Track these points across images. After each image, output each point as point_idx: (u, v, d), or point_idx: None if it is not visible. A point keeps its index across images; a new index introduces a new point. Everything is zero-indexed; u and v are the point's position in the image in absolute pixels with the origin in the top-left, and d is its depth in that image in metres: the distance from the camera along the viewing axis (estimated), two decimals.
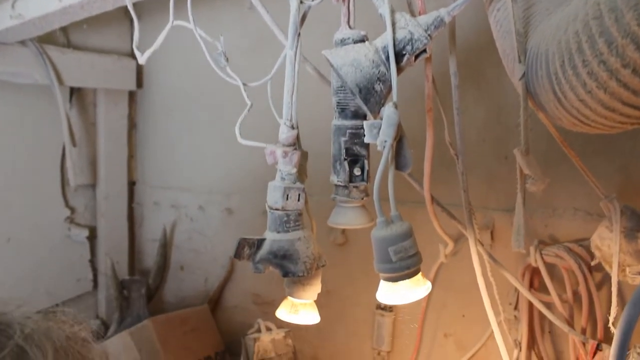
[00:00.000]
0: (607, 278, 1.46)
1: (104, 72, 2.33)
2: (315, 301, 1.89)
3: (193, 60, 2.23)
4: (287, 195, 0.92)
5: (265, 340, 1.62)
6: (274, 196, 0.94)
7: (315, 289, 1.05)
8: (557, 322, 1.31)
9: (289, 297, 1.06)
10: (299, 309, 1.06)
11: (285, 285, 1.06)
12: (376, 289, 1.86)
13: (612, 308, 1.10)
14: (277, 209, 0.93)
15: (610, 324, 1.10)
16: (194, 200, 2.29)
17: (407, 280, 0.85)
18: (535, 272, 1.49)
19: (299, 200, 0.93)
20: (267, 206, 0.97)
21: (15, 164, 2.28)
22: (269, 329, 1.66)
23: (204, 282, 2.28)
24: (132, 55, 2.43)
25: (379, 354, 1.83)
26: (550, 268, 1.48)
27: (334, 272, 1.89)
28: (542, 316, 1.56)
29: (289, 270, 0.93)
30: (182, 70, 2.32)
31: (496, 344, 1.65)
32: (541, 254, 1.42)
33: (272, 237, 0.94)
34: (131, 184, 2.52)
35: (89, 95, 2.43)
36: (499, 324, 1.40)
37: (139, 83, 2.46)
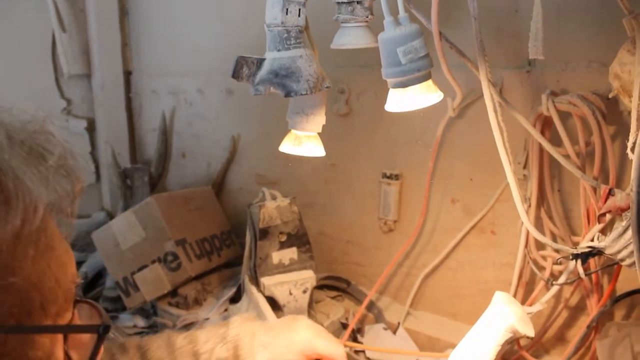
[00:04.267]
0: (620, 130, 1.42)
1: None
2: (319, 175, 1.87)
3: None
4: (287, 10, 0.86)
5: (271, 207, 1.60)
6: (272, 12, 0.87)
7: (319, 119, 1.00)
8: (569, 166, 1.27)
9: (292, 130, 1.02)
10: (303, 141, 1.02)
11: (288, 118, 1.01)
12: (381, 160, 1.83)
13: (631, 134, 1.05)
14: (276, 26, 0.87)
15: (628, 150, 1.06)
16: (193, 83, 2.23)
17: (417, 86, 0.80)
18: (546, 123, 1.44)
19: (299, 15, 0.86)
20: (265, 26, 0.90)
21: (6, 53, 2.21)
22: (273, 197, 1.64)
23: (207, 166, 2.25)
24: None
25: (385, 223, 1.81)
26: (563, 120, 1.43)
27: (338, 144, 1.85)
28: (552, 174, 1.53)
29: (292, 89, 0.88)
30: None
31: (503, 207, 1.63)
32: (553, 102, 1.37)
33: (272, 56, 0.88)
34: (127, 74, 2.45)
35: None
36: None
37: None
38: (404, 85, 0.84)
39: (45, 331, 0.51)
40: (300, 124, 0.99)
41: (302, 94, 0.89)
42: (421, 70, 0.81)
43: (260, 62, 0.89)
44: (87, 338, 0.57)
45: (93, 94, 2.41)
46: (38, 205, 0.50)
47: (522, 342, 1.59)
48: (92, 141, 2.44)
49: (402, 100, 0.86)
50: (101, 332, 0.55)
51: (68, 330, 0.54)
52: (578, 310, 1.58)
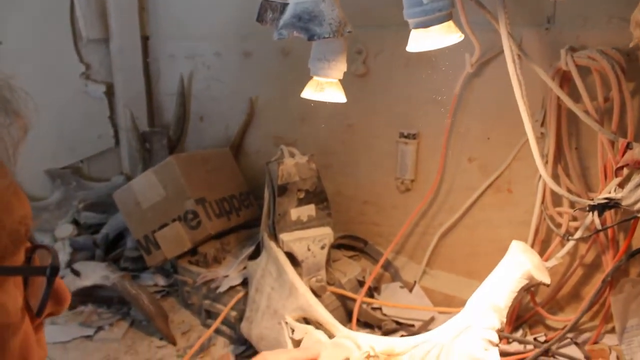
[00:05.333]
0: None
1: None
2: (336, 136, 1.88)
3: None
4: None
5: (289, 164, 1.61)
6: None
7: (340, 66, 1.02)
8: (587, 119, 1.28)
9: (314, 77, 1.03)
10: (325, 87, 1.03)
11: (310, 64, 1.02)
12: (398, 120, 1.84)
13: None
14: None
15: None
16: (210, 47, 2.24)
17: (438, 26, 0.81)
18: (564, 79, 1.45)
19: None
20: None
21: (25, 17, 2.23)
22: (292, 155, 1.66)
23: (225, 129, 2.27)
24: None
25: (402, 183, 1.83)
26: (581, 77, 1.42)
27: (355, 104, 1.86)
28: (569, 132, 1.53)
29: (315, 32, 0.89)
30: None
31: (520, 165, 1.64)
32: (572, 57, 1.37)
33: (295, 0, 0.89)
34: (144, 39, 2.46)
35: None
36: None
37: None
38: (425, 25, 0.84)
39: None
40: (322, 70, 1.00)
41: (325, 37, 0.90)
42: (442, 10, 0.82)
43: (284, 6, 0.90)
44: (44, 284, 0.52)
45: (111, 58, 2.43)
46: None
47: (538, 299, 1.62)
48: (110, 106, 2.46)
49: (424, 40, 0.87)
50: (49, 274, 0.50)
51: (6, 272, 0.48)
52: (593, 267, 1.59)
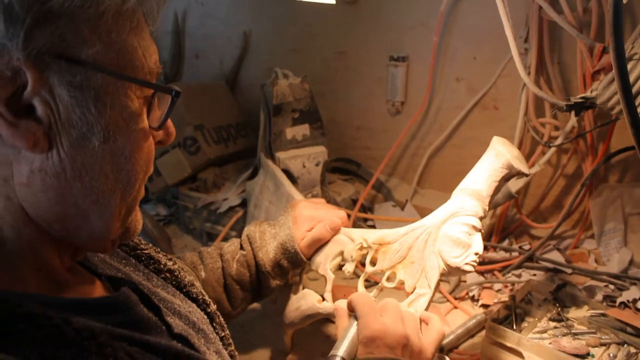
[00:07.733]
0: None
1: None
2: (328, 64, 1.94)
3: None
4: None
5: (283, 84, 1.68)
6: None
7: None
8: (565, 25, 1.35)
9: None
10: None
11: None
12: (388, 45, 1.90)
13: None
14: None
15: None
16: None
17: None
18: None
19: None
20: None
21: None
22: (286, 76, 1.72)
23: (220, 65, 2.32)
24: None
25: (393, 105, 1.90)
26: None
27: (346, 32, 1.92)
28: (552, 48, 1.60)
29: None
30: None
31: (505, 82, 1.71)
32: None
33: None
34: None
35: None
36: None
37: None
38: None
39: (131, 81, 0.62)
40: None
41: None
42: None
43: None
44: (161, 113, 0.69)
45: None
46: None
47: (523, 211, 1.70)
48: None
49: None
50: (174, 95, 0.67)
51: (149, 85, 0.65)
52: (575, 177, 1.68)
